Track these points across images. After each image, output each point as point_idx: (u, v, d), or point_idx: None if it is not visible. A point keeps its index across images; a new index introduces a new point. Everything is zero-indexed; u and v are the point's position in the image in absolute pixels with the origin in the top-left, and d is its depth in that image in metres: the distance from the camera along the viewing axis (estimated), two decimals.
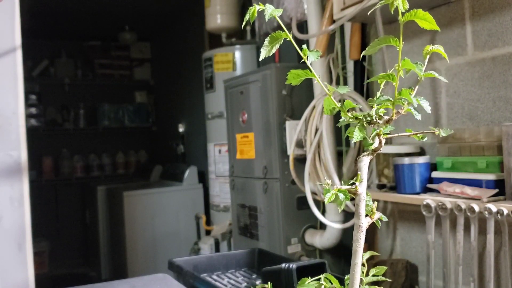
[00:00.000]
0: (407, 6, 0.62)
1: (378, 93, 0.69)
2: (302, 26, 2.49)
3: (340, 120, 0.70)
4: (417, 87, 0.67)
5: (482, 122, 1.65)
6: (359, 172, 0.68)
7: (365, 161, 0.68)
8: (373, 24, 2.07)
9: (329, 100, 0.70)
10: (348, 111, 0.69)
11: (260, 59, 0.69)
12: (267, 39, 0.69)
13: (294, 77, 0.71)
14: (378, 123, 0.67)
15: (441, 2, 1.75)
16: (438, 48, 0.67)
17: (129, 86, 5.66)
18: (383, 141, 0.68)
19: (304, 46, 0.69)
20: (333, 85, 2.18)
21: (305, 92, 2.37)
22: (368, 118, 0.67)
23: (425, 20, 0.65)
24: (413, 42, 1.91)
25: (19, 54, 1.57)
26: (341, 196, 0.66)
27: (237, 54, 3.20)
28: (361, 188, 0.67)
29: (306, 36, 2.24)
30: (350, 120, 0.68)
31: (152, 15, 4.78)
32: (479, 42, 1.64)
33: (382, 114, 0.68)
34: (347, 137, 2.36)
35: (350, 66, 2.25)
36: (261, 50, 0.68)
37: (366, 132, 0.67)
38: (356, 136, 0.66)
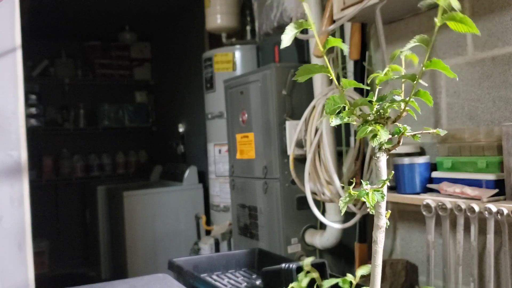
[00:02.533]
0: (459, 6, 0.59)
1: (376, 92, 0.67)
2: None
3: (346, 119, 0.68)
4: (419, 80, 0.66)
5: (482, 122, 1.65)
6: (381, 172, 0.66)
7: (383, 160, 0.67)
8: (373, 24, 2.07)
9: (334, 99, 0.68)
10: (344, 110, 0.68)
11: (281, 47, 0.66)
12: (289, 26, 0.66)
13: (306, 72, 0.68)
14: (386, 121, 0.66)
15: None
16: (413, 54, 0.66)
17: (129, 86, 5.66)
18: (402, 139, 0.67)
19: (330, 37, 0.67)
20: (333, 86, 2.18)
21: (305, 92, 2.37)
22: (375, 117, 0.66)
23: (462, 23, 0.61)
24: None
25: (19, 54, 1.57)
26: (378, 196, 0.64)
27: (237, 54, 3.20)
28: (383, 188, 0.66)
29: (306, 36, 2.24)
30: (356, 120, 0.67)
31: (152, 15, 4.78)
32: (479, 42, 1.64)
33: (388, 113, 0.67)
34: (347, 137, 2.35)
35: (350, 66, 2.25)
36: (282, 37, 0.66)
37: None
38: (383, 136, 0.64)
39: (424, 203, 1.63)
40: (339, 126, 2.20)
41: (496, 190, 1.47)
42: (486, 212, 1.44)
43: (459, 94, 1.73)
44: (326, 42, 0.66)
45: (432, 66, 0.64)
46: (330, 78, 2.22)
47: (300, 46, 2.68)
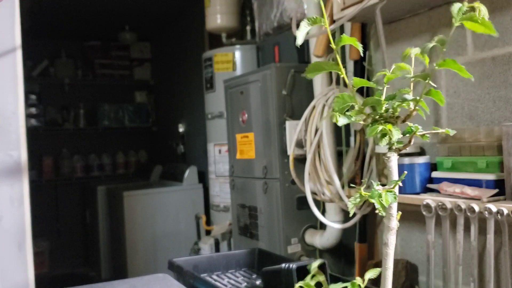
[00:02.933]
0: (487, 15, 0.58)
1: (384, 91, 0.66)
2: None
3: (354, 118, 0.66)
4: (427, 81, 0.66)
5: (482, 122, 1.65)
6: (392, 172, 0.65)
7: (394, 160, 0.65)
8: (373, 24, 2.07)
9: (343, 97, 0.66)
10: (348, 110, 0.67)
11: (298, 44, 0.64)
12: (303, 22, 0.64)
13: (316, 69, 0.66)
14: (396, 121, 0.65)
15: (441, 2, 1.75)
16: (425, 54, 0.65)
17: (129, 86, 5.66)
18: (413, 139, 0.66)
19: (344, 34, 0.66)
20: (333, 86, 2.18)
21: (305, 92, 2.37)
22: (384, 116, 0.65)
23: (480, 24, 0.60)
24: (413, 42, 1.91)
25: (19, 54, 1.57)
26: (391, 197, 0.63)
27: (237, 54, 3.20)
28: (395, 189, 0.65)
29: (306, 36, 2.24)
30: (367, 119, 0.65)
31: (152, 15, 4.78)
32: (479, 42, 1.64)
33: (398, 112, 0.65)
34: (347, 137, 2.34)
35: (350, 66, 2.25)
36: (297, 33, 0.64)
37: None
38: (395, 135, 0.63)
39: (424, 203, 1.63)
40: (339, 126, 2.20)
41: (496, 190, 1.47)
42: (486, 212, 1.44)
43: (459, 94, 1.73)
44: (339, 39, 0.64)
45: (446, 65, 0.63)
46: (331, 78, 2.21)
47: (300, 46, 2.68)
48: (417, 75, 0.65)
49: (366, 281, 0.75)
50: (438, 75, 1.80)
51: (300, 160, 2.22)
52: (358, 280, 0.76)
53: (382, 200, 0.63)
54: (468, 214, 1.50)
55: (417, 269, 1.95)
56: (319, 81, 2.25)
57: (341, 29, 2.28)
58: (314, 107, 2.14)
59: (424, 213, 1.65)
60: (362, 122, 0.67)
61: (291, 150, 2.22)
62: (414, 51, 0.66)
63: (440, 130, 0.66)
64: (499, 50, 1.58)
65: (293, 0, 2.59)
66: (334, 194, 2.05)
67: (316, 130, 2.10)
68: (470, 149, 1.59)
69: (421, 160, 1.74)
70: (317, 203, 2.18)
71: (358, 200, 0.63)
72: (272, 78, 2.35)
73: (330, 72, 2.27)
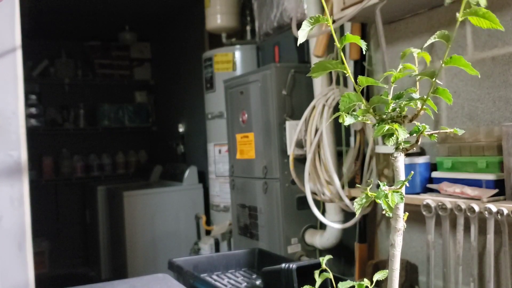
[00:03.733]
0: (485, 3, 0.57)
1: (391, 90, 0.66)
2: None
3: (360, 117, 0.65)
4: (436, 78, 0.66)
5: (482, 122, 1.65)
6: (399, 172, 0.64)
7: (401, 160, 0.65)
8: (373, 24, 2.07)
9: (349, 96, 0.66)
10: (354, 111, 0.66)
11: (298, 44, 0.63)
12: (306, 22, 0.63)
13: (321, 68, 0.66)
14: (403, 120, 0.65)
15: (441, 2, 1.75)
16: (425, 52, 0.65)
17: (129, 86, 5.65)
18: (420, 139, 0.65)
19: (348, 33, 0.65)
20: (333, 85, 2.18)
21: (305, 92, 2.37)
22: (391, 115, 0.64)
23: (485, 19, 0.59)
24: (413, 42, 1.91)
25: (19, 54, 1.57)
26: (397, 198, 0.62)
27: (237, 54, 3.20)
28: (402, 189, 0.64)
29: (308, 36, 2.24)
30: (371, 119, 0.65)
31: (152, 15, 4.78)
32: (479, 42, 1.64)
33: (405, 112, 0.65)
34: (347, 137, 2.34)
35: (349, 66, 2.25)
36: (299, 33, 0.64)
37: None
38: (402, 134, 0.62)
39: (424, 203, 1.63)
40: (339, 126, 2.20)
41: (496, 190, 1.47)
42: (486, 212, 1.44)
43: (459, 94, 1.73)
44: (344, 38, 0.64)
45: (453, 63, 0.62)
46: (331, 78, 2.20)
47: (300, 46, 2.68)
48: (424, 73, 0.65)
49: (374, 283, 0.75)
50: (438, 74, 1.80)
51: (300, 160, 2.22)
52: (365, 281, 0.75)
53: (388, 200, 0.62)
54: (468, 214, 1.50)
55: (417, 269, 1.95)
56: (319, 81, 2.25)
57: (341, 29, 2.28)
58: (314, 107, 2.14)
59: (424, 213, 1.65)
60: (368, 122, 0.66)
61: (291, 150, 2.22)
62: (415, 51, 0.66)
63: (448, 130, 0.65)
64: (499, 50, 1.58)
65: (293, 0, 2.59)
66: (334, 194, 2.05)
67: (316, 130, 2.10)
68: (470, 149, 1.59)
69: (421, 160, 1.74)
70: (317, 203, 2.18)
71: (364, 200, 0.63)
72: (272, 78, 2.35)
73: (330, 72, 2.27)
